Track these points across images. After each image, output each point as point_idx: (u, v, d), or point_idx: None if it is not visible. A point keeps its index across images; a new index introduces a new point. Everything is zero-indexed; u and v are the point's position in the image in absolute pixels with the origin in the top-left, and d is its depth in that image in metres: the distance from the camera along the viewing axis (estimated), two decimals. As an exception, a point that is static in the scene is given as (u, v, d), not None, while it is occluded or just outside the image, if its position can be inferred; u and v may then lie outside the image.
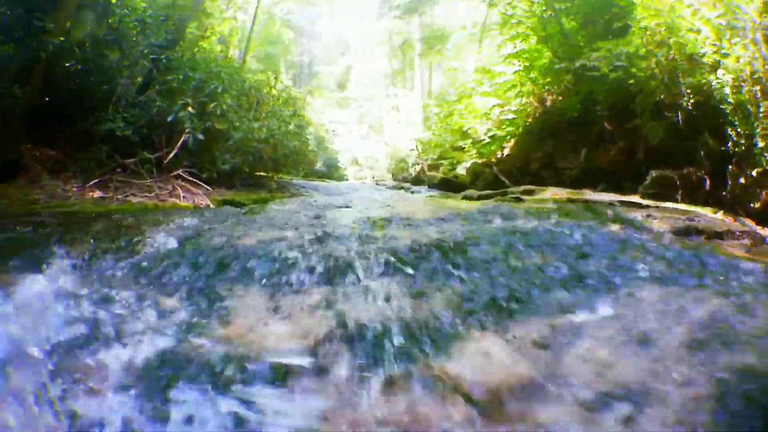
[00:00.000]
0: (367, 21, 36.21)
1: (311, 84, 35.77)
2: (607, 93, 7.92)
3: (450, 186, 11.10)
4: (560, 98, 9.71)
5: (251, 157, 9.27)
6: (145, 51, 8.23)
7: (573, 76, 9.27)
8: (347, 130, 32.05)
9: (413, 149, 18.77)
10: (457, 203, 6.70)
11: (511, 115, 11.41)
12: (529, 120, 10.21)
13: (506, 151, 10.75)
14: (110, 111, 7.33)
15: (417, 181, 16.09)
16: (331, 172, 23.22)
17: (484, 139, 10.58)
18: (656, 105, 6.46)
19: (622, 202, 5.00)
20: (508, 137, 10.38)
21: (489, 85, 12.67)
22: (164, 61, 8.35)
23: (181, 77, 8.21)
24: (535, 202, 5.66)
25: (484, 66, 12.36)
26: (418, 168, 17.89)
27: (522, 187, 7.12)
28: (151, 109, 7.68)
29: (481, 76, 13.00)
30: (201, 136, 7.64)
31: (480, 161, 11.18)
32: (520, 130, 10.13)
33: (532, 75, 10.30)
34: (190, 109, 7.67)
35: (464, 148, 13.05)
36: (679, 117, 6.11)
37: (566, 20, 9.64)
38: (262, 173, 10.95)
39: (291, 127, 10.43)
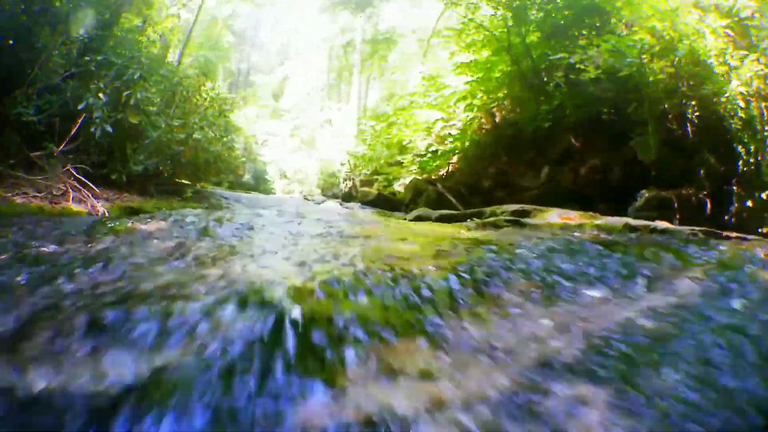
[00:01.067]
0: (309, 20, 34.80)
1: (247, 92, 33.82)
2: (582, 103, 6.77)
3: (387, 203, 9.64)
4: (516, 111, 8.53)
5: (170, 160, 7.62)
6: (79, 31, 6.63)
7: (534, 89, 8.16)
8: (279, 142, 30.23)
9: (345, 163, 17.22)
10: (419, 228, 5.12)
11: (455, 131, 10.22)
12: (479, 135, 8.95)
13: (452, 168, 9.42)
14: (21, 94, 5.96)
15: (348, 197, 14.58)
16: (259, 184, 21.67)
17: (427, 154, 9.19)
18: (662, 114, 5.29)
19: (708, 233, 3.41)
20: (455, 152, 9.04)
21: (434, 98, 11.45)
22: (87, 41, 6.83)
23: (99, 58, 6.57)
24: (550, 230, 4.04)
25: (431, 75, 11.05)
26: (349, 184, 16.40)
27: (507, 207, 5.66)
28: (65, 95, 6.16)
29: (425, 88, 11.75)
30: (109, 129, 6.07)
31: (421, 177, 9.79)
32: (468, 145, 8.82)
33: (483, 87, 9.09)
34: (101, 95, 6.09)
35: (402, 163, 11.69)
36: (688, 129, 4.95)
37: (530, 30, 8.49)
38: (183, 180, 9.17)
39: (215, 129, 8.70)
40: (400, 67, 23.63)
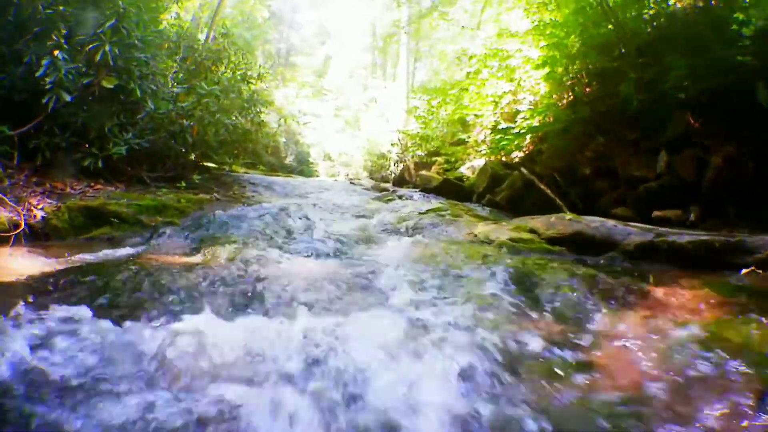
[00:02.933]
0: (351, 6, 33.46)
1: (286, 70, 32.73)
2: (705, 73, 5.31)
3: (454, 191, 8.30)
4: (610, 82, 7.02)
5: (173, 139, 6.35)
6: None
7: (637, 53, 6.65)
8: (322, 123, 29.13)
9: (396, 143, 15.94)
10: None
11: (526, 105, 8.77)
12: (563, 110, 7.46)
13: (531, 149, 8.02)
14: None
15: (400, 181, 13.30)
16: (302, 167, 20.92)
17: (507, 130, 7.72)
18: None
19: None
20: (539, 129, 7.53)
21: (496, 68, 9.97)
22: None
23: (62, 9, 5.03)
24: None
25: (501, 31, 9.56)
26: (401, 167, 15.15)
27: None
28: (24, 57, 4.85)
29: (486, 57, 10.27)
30: (68, 97, 4.65)
31: (497, 160, 8.37)
32: (551, 120, 7.32)
33: (562, 53, 7.57)
34: (58, 53, 4.64)
35: (465, 142, 10.32)
36: None
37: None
38: (209, 164, 8.07)
39: (236, 100, 7.49)
40: (452, 41, 21.94)
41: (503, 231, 4.23)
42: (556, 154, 7.15)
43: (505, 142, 7.73)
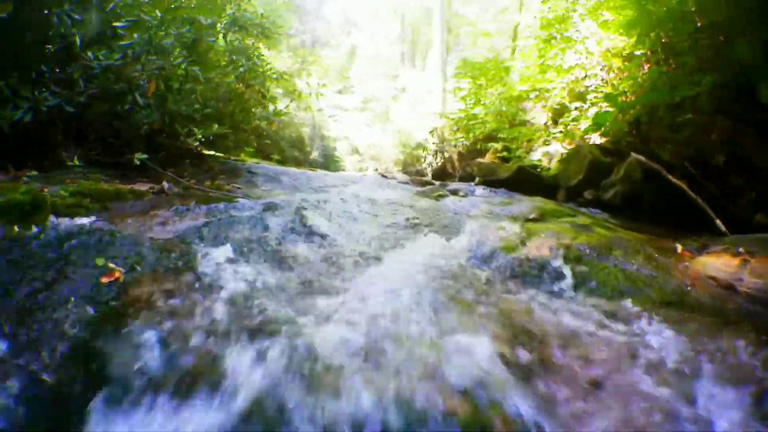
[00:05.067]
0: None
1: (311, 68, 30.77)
2: None
3: (532, 185, 5.94)
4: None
5: (119, 103, 4.15)
6: None
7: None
8: (349, 116, 27.05)
9: (434, 131, 13.61)
10: None
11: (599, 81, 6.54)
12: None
13: (632, 130, 5.64)
14: None
15: (441, 175, 11.01)
16: (329, 162, 19.12)
17: (622, 93, 5.38)
18: None
19: None
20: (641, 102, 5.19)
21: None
22: None
23: None
24: None
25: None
26: (439, 158, 12.88)
27: None
28: None
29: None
30: None
31: (590, 142, 6.02)
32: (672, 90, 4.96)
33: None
34: None
35: (531, 124, 8.03)
36: None
37: None
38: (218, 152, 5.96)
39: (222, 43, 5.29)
40: (486, 34, 19.57)
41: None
42: (671, 136, 4.78)
43: (608, 117, 5.35)
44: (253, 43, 6.25)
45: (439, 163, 12.27)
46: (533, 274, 2.18)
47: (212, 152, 7.00)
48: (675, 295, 2.03)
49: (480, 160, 8.09)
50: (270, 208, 3.02)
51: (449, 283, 2.01)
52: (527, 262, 2.23)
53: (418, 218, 3.37)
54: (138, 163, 3.99)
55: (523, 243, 2.42)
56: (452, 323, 1.67)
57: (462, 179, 8.59)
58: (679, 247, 2.63)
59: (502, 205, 4.33)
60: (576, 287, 2.06)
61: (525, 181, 6.24)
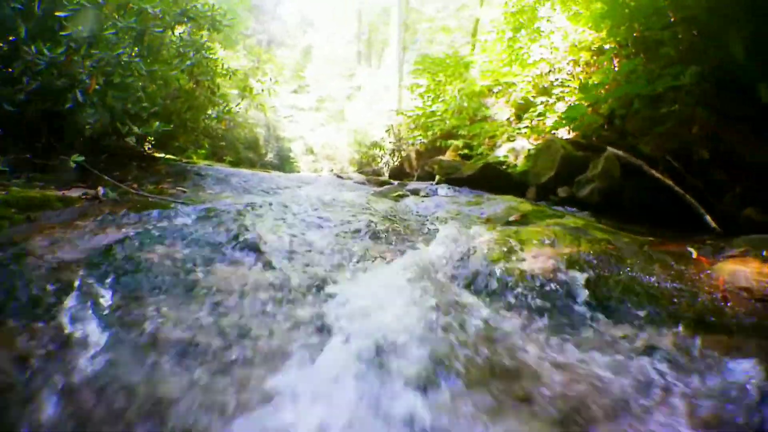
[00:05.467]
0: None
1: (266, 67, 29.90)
2: None
3: (499, 183, 5.50)
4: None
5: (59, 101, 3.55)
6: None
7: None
8: (303, 116, 26.36)
9: (389, 129, 13.14)
10: None
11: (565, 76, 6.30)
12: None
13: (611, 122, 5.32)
14: None
15: (398, 174, 10.59)
16: (283, 163, 18.99)
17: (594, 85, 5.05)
18: None
19: None
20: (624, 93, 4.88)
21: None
22: None
23: None
24: None
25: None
26: (396, 157, 12.43)
27: None
28: None
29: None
30: None
31: (560, 137, 5.68)
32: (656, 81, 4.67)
33: None
34: None
35: (492, 119, 7.67)
36: None
37: None
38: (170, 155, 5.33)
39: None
40: (446, 29, 19.37)
41: None
42: (649, 129, 4.49)
43: (582, 110, 5.00)
44: (203, 37, 5.66)
45: (397, 163, 11.87)
46: (543, 298, 1.70)
47: (163, 155, 6.45)
48: (711, 313, 1.62)
49: (440, 157, 7.70)
50: (208, 215, 2.52)
51: (437, 336, 1.45)
52: (530, 282, 1.76)
53: (379, 224, 2.86)
54: (74, 165, 3.38)
55: (514, 253, 1.96)
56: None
57: (421, 178, 8.21)
58: (694, 252, 2.24)
59: (471, 206, 3.92)
60: (593, 312, 1.60)
61: (491, 178, 5.86)
